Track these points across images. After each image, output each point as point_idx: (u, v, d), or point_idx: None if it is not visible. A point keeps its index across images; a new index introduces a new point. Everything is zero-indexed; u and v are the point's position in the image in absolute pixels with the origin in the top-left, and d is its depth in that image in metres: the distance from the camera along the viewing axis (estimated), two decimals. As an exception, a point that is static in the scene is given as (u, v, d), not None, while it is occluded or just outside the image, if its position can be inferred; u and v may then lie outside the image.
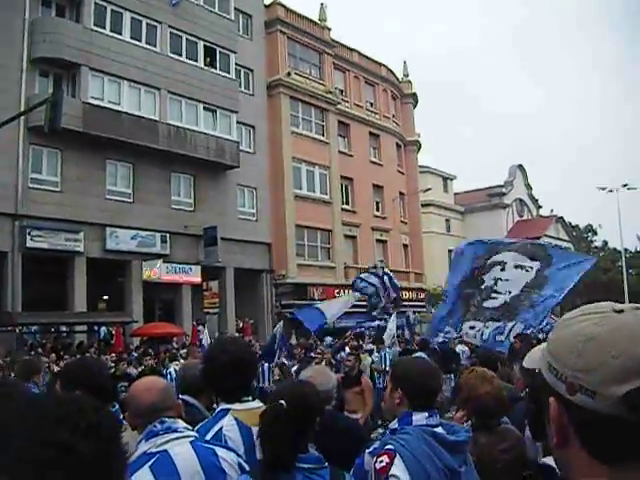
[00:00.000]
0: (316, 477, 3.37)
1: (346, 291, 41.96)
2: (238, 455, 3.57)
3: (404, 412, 3.80)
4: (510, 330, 10.65)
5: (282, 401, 3.47)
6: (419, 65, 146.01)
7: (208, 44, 36.10)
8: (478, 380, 5.12)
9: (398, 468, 3.47)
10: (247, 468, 3.46)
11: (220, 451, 3.44)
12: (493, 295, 10.68)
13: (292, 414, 3.39)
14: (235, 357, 4.03)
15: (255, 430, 3.83)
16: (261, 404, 4.26)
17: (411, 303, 41.41)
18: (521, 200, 77.80)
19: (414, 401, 3.82)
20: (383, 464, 3.52)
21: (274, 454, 3.31)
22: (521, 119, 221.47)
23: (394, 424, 3.83)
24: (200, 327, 28.17)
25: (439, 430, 3.71)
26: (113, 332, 28.42)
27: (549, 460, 2.37)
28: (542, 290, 10.31)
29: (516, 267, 10.52)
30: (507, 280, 10.59)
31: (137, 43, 32.55)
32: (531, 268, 10.43)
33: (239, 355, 4.09)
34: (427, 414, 3.77)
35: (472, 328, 11.29)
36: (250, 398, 4.16)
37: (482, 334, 10.97)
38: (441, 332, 12.23)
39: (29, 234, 28.29)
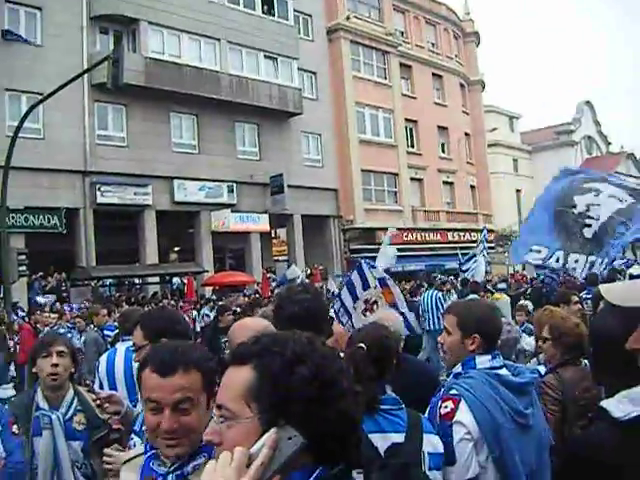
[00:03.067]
0: (394, 418, 3.37)
1: (414, 234, 41.95)
2: None
3: (467, 357, 3.75)
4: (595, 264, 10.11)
5: (362, 344, 3.49)
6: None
7: (265, -9, 35.88)
8: (560, 317, 5.12)
9: (463, 413, 3.46)
10: None
11: None
12: (587, 221, 10.33)
13: (372, 356, 3.43)
14: (304, 306, 4.03)
15: None
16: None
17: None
18: (590, 137, 76.38)
19: (492, 344, 3.79)
20: (448, 410, 3.51)
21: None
22: (590, 53, 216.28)
23: (458, 368, 3.77)
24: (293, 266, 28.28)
25: (503, 372, 3.67)
26: (185, 282, 28.85)
27: (607, 403, 2.38)
28: (630, 222, 9.85)
29: (610, 196, 10.14)
30: (598, 205, 10.22)
31: (194, -6, 32.46)
32: (625, 201, 10.03)
33: (308, 304, 4.09)
34: (490, 356, 3.73)
35: (576, 262, 10.76)
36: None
37: (582, 270, 10.45)
38: (529, 250, 11.32)
39: (99, 190, 28.76)
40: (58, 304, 23.20)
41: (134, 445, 3.80)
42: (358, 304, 9.04)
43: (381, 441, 3.25)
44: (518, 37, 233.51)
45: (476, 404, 3.46)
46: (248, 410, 1.66)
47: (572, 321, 4.99)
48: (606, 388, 2.90)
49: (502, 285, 20.44)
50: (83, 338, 13.70)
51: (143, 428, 3.86)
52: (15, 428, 3.85)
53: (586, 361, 4.86)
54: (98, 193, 28.70)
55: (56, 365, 4.58)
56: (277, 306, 4.30)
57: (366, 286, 9.09)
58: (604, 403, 2.39)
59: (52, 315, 18.86)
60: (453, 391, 3.58)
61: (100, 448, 3.99)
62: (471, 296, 14.42)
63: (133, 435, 3.94)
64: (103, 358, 6.92)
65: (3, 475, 3.58)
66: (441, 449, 3.38)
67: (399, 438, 3.29)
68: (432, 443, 3.37)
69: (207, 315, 20.71)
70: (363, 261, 9.22)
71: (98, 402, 4.27)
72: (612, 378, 2.53)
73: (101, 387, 6.91)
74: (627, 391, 2.31)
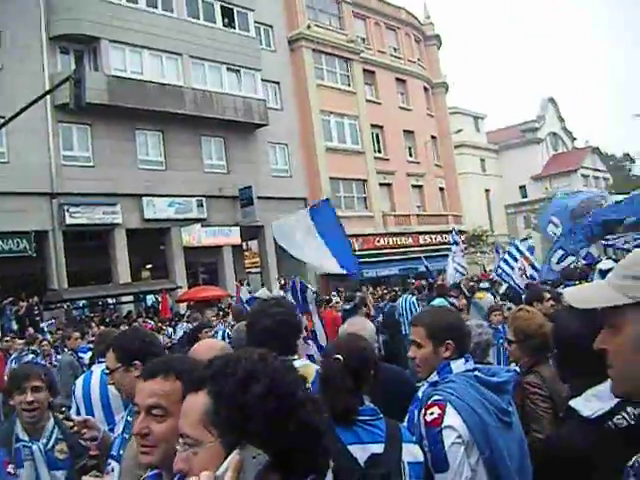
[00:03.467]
0: (372, 428, 3.35)
1: (385, 239, 42.08)
2: None
3: (442, 364, 3.75)
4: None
5: (339, 356, 3.49)
6: (440, 2, 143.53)
7: (225, 4, 35.80)
8: (524, 319, 5.15)
9: (451, 417, 3.44)
10: None
11: None
12: None
13: (350, 368, 3.41)
14: (277, 320, 4.07)
15: None
16: (306, 362, 4.29)
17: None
18: (555, 134, 77.08)
19: (464, 348, 3.82)
20: (435, 416, 3.48)
21: (337, 407, 3.29)
22: (552, 48, 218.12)
23: (434, 377, 3.76)
24: (242, 286, 28.29)
25: (479, 374, 3.68)
26: (160, 299, 28.74)
27: (575, 403, 2.44)
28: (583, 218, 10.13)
29: None
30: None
31: (154, 10, 32.39)
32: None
33: (281, 317, 4.12)
34: (464, 360, 3.75)
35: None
36: (295, 357, 4.18)
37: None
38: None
39: (67, 211, 28.56)
40: (31, 329, 23.02)
41: (112, 470, 3.78)
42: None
43: (360, 452, 3.24)
44: (478, 37, 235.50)
45: (463, 406, 3.46)
46: (209, 435, 1.66)
47: (536, 322, 5.00)
48: (572, 388, 2.93)
49: (485, 284, 20.44)
50: (56, 362, 13.61)
51: (121, 452, 3.85)
52: (11, 468, 3.77)
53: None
54: (67, 214, 28.49)
55: (31, 402, 4.46)
56: (250, 320, 4.33)
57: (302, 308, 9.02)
58: (572, 403, 2.43)
59: (18, 341, 18.73)
60: (436, 397, 3.56)
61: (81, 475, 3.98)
62: (437, 300, 14.46)
63: (110, 460, 3.92)
64: (79, 381, 6.87)
65: None
66: (421, 458, 3.37)
67: (378, 449, 3.27)
68: (412, 452, 3.36)
69: (186, 332, 20.50)
70: (298, 280, 9.11)
71: (75, 428, 4.18)
72: (578, 378, 2.57)
73: (78, 411, 6.85)
74: (593, 389, 2.35)
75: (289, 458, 1.63)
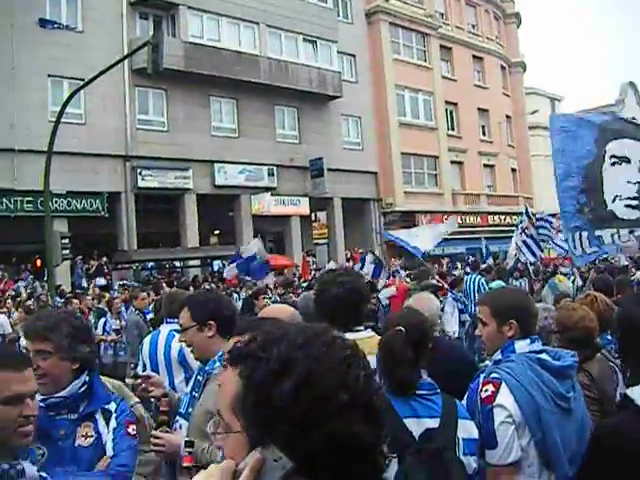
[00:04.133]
0: (429, 403, 3.37)
1: (455, 217, 41.79)
2: None
3: (506, 343, 3.74)
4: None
5: (401, 327, 3.51)
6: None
7: (304, -25, 35.79)
8: (567, 309, 5.10)
9: (504, 396, 3.45)
10: None
11: None
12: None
13: (411, 340, 3.41)
14: (347, 288, 4.07)
15: (370, 358, 3.89)
16: (372, 333, 4.31)
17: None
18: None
19: (529, 328, 3.78)
20: (488, 393, 3.51)
21: (395, 379, 3.34)
22: (634, 30, 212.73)
23: (497, 355, 3.77)
24: (308, 257, 28.41)
25: (544, 356, 3.65)
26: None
27: (631, 392, 2.38)
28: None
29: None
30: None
31: (233, -22, 32.47)
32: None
33: (351, 286, 4.12)
34: (529, 341, 3.72)
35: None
36: (362, 327, 4.19)
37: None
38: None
39: (140, 174, 29.01)
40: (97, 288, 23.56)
41: (180, 427, 3.88)
42: None
43: (416, 426, 3.26)
44: (560, 17, 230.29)
45: (517, 387, 3.46)
46: (237, 423, 1.50)
47: (578, 314, 4.93)
48: (630, 375, 2.89)
49: (566, 269, 19.59)
50: (123, 322, 13.82)
51: (190, 410, 3.94)
52: (132, 429, 3.73)
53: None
54: (139, 177, 28.96)
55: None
56: (319, 289, 4.36)
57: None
58: (629, 391, 2.40)
59: (87, 298, 19.15)
60: (494, 375, 3.58)
61: None
62: (496, 282, 14.26)
63: (178, 417, 4.02)
64: (146, 340, 7.04)
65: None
66: (476, 435, 3.39)
67: (434, 423, 3.29)
68: (467, 429, 3.37)
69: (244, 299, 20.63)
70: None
71: (143, 385, 4.23)
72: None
73: (144, 369, 7.02)
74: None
75: (319, 469, 1.41)
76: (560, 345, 4.85)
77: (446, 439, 3.27)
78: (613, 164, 8.54)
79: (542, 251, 18.84)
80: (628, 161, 8.55)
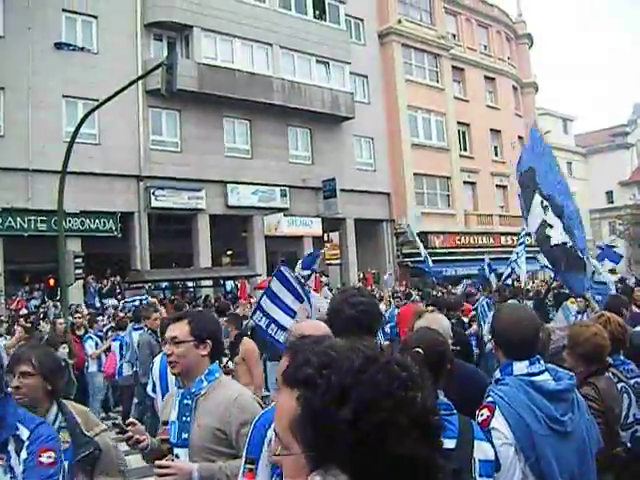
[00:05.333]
0: (446, 423, 3.37)
1: (467, 238, 41.74)
2: None
3: (505, 362, 3.78)
4: None
5: (419, 349, 3.51)
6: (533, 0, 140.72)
7: (316, -4, 36.06)
8: (580, 325, 5.12)
9: (498, 421, 3.50)
10: None
11: None
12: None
13: (428, 361, 3.36)
14: (360, 309, 4.01)
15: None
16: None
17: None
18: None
19: (509, 352, 3.79)
20: (484, 417, 3.56)
21: None
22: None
23: (497, 374, 3.83)
24: (320, 277, 28.30)
25: (540, 378, 3.66)
26: (239, 286, 29.04)
27: None
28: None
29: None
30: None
31: (246, 0, 32.69)
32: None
33: (363, 307, 4.07)
34: (528, 362, 3.72)
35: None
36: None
37: None
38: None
39: (153, 194, 29.15)
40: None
41: (177, 457, 3.82)
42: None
43: None
44: (572, 38, 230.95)
45: (509, 411, 3.51)
46: (295, 444, 1.48)
47: (590, 331, 4.91)
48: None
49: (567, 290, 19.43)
50: (136, 340, 13.83)
51: (185, 436, 3.93)
52: (46, 457, 3.54)
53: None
54: (152, 197, 29.11)
55: (16, 388, 4.01)
56: (333, 309, 4.26)
57: (295, 293, 8.84)
58: None
59: (100, 318, 19.23)
60: (489, 398, 3.64)
61: (86, 466, 3.97)
62: (511, 301, 14.21)
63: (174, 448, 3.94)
64: (157, 359, 7.06)
65: None
66: (492, 456, 3.38)
67: (450, 444, 3.24)
68: (483, 450, 3.36)
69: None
70: (282, 267, 8.94)
71: (131, 441, 3.99)
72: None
73: (154, 388, 7.03)
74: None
75: None
76: (569, 361, 4.86)
77: (462, 460, 3.25)
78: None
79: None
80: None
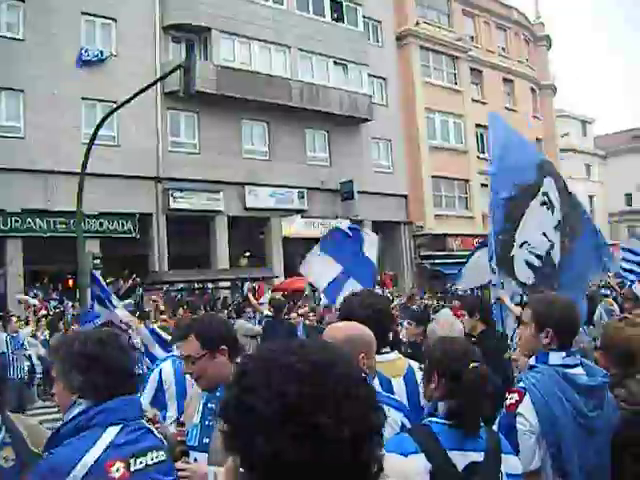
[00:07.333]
0: (474, 436, 3.27)
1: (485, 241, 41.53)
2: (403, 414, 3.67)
3: (541, 352, 3.76)
4: None
5: (476, 363, 3.45)
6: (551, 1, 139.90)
7: (334, -2, 36.11)
8: (614, 326, 5.02)
9: (526, 407, 3.50)
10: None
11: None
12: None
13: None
14: (373, 311, 4.05)
15: (396, 381, 3.92)
16: (399, 355, 4.26)
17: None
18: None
19: (565, 341, 3.77)
20: (512, 401, 3.56)
21: (477, 415, 3.25)
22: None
23: (532, 360, 3.80)
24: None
25: (574, 371, 3.65)
26: (256, 288, 29.04)
27: None
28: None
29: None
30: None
31: (264, 3, 32.82)
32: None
33: (377, 307, 4.12)
34: (564, 354, 3.72)
35: None
36: (389, 349, 4.19)
37: None
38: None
39: (171, 196, 29.29)
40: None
41: (195, 461, 3.73)
42: None
43: (460, 458, 3.17)
44: (591, 38, 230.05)
45: (539, 400, 3.50)
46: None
47: (624, 333, 4.84)
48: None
49: (605, 291, 19.10)
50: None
51: (205, 440, 3.84)
52: None
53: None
54: (171, 199, 29.25)
55: None
56: (345, 312, 4.28)
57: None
58: None
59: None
60: (521, 383, 3.63)
61: None
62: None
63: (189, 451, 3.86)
64: (168, 367, 6.84)
65: None
66: (519, 470, 3.30)
67: (478, 457, 3.20)
68: (510, 464, 3.28)
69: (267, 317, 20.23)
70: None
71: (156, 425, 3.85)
72: None
73: (156, 399, 6.86)
74: None
75: None
76: (602, 362, 4.80)
77: (490, 474, 3.19)
78: (543, 204, 7.99)
79: None
80: (553, 210, 7.98)
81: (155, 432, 3.06)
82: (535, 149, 8.13)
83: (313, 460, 1.35)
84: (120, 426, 2.88)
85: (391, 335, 5.01)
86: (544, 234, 7.88)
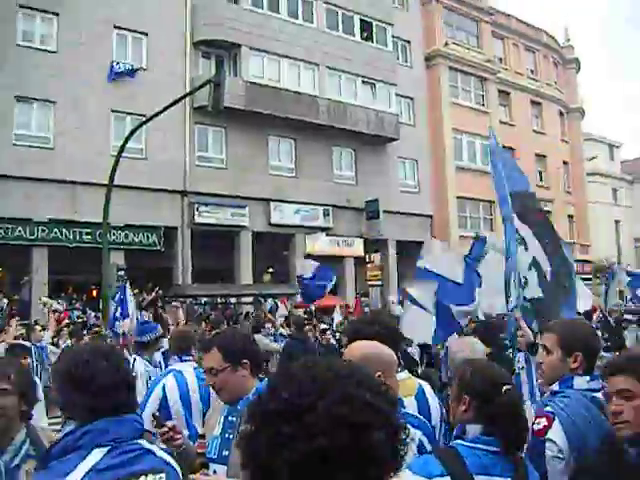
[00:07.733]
0: (502, 461, 3.18)
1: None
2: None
3: (566, 376, 3.72)
4: None
5: (509, 386, 3.43)
6: (582, 23, 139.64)
7: (364, 17, 36.17)
8: None
9: (556, 433, 3.43)
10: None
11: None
12: None
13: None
14: (381, 330, 4.03)
15: (407, 400, 3.87)
16: (409, 375, 4.26)
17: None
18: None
19: (590, 365, 3.75)
20: (540, 426, 3.49)
21: (512, 437, 3.15)
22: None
23: (555, 386, 3.76)
24: (360, 298, 28.27)
25: (599, 395, 3.59)
26: (279, 304, 29.03)
27: None
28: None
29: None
30: None
31: (294, 20, 33.06)
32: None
33: (385, 327, 4.11)
34: (589, 378, 3.69)
35: None
36: (399, 369, 4.19)
37: None
38: None
39: (197, 210, 29.42)
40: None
41: (214, 473, 3.74)
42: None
43: None
44: (621, 61, 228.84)
45: (570, 424, 3.44)
46: None
47: None
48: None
49: (629, 316, 18.90)
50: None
51: (225, 453, 3.84)
52: None
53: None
54: (196, 213, 29.38)
55: None
56: (353, 331, 4.28)
57: None
58: None
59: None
60: (548, 408, 3.57)
61: None
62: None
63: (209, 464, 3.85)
64: (171, 382, 6.55)
65: None
66: None
67: None
68: None
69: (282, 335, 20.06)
70: None
71: (167, 435, 3.95)
72: None
73: (161, 412, 6.70)
74: None
75: None
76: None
77: None
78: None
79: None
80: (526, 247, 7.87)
81: (157, 453, 2.88)
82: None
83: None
84: (107, 448, 2.71)
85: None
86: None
